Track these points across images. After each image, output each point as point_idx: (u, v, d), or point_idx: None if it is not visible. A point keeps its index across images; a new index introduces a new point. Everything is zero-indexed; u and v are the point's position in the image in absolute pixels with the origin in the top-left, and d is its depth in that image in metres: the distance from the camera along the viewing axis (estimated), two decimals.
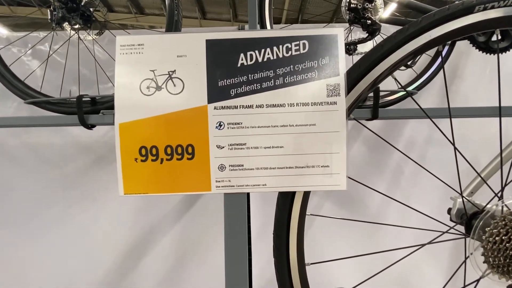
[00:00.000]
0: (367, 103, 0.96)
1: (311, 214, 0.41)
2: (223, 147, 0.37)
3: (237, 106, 0.36)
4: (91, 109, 0.69)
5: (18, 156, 1.00)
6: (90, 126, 0.67)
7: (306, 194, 0.39)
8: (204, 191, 0.37)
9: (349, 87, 0.37)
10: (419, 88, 0.97)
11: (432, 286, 0.49)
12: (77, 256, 0.95)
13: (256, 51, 0.36)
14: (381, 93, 0.95)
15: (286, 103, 0.37)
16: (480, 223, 0.39)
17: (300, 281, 0.40)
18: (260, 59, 0.36)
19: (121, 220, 1.02)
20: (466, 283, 0.41)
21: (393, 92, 0.97)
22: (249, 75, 0.36)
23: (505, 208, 0.40)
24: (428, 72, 0.98)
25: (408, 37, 0.36)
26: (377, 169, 1.05)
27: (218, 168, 0.37)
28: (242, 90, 0.36)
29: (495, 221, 0.38)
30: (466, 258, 0.43)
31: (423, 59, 1.01)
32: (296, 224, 0.39)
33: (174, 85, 0.37)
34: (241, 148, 0.37)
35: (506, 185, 0.43)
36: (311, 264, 0.41)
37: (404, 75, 1.02)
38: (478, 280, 0.40)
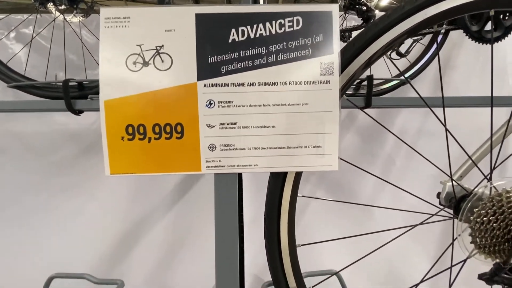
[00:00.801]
0: (360, 91, 0.96)
1: (302, 196, 0.41)
2: (214, 126, 0.36)
3: (228, 84, 0.35)
4: (79, 94, 0.66)
5: (2, 144, 0.96)
6: (78, 112, 0.65)
7: (298, 175, 0.39)
8: (194, 171, 0.36)
9: (343, 66, 0.36)
10: (412, 77, 0.97)
11: (420, 267, 0.50)
12: (65, 245, 0.94)
13: (248, 27, 0.35)
14: (375, 82, 0.95)
15: (278, 81, 0.36)
16: (468, 205, 0.39)
17: (291, 262, 0.40)
18: (252, 35, 0.35)
19: (111, 209, 1.00)
20: (454, 264, 0.42)
21: (387, 81, 0.97)
22: (241, 52, 0.35)
23: (493, 190, 0.40)
24: (421, 61, 0.98)
25: (403, 15, 0.35)
26: (370, 158, 1.06)
27: (208, 147, 0.36)
28: (233, 67, 0.35)
29: (483, 202, 0.38)
30: (453, 239, 0.43)
31: (417, 49, 1.01)
32: (288, 205, 0.39)
33: (162, 61, 0.35)
34: (232, 128, 0.36)
35: (495, 168, 0.43)
36: (302, 245, 0.41)
37: (398, 64, 1.02)
38: (465, 260, 0.41)
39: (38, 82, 0.71)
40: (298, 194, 0.40)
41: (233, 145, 0.36)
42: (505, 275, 0.33)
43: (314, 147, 0.36)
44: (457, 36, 1.37)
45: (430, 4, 0.35)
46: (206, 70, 0.35)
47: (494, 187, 0.39)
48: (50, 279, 0.44)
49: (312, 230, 0.86)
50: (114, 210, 0.99)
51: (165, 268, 0.99)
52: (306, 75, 0.35)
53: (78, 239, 0.93)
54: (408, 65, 1.00)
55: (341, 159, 0.37)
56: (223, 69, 0.35)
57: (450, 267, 0.42)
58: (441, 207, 0.45)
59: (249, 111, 0.36)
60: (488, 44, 0.88)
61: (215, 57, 0.35)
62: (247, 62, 0.35)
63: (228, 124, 0.36)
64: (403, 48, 0.94)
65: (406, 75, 0.97)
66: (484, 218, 0.37)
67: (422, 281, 0.43)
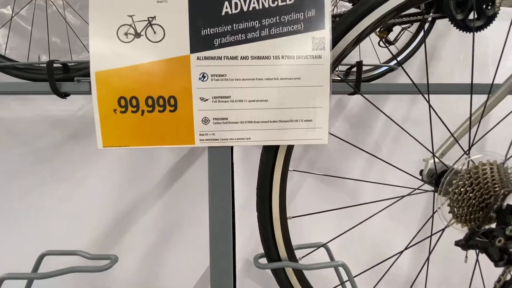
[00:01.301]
0: (349, 77, 0.97)
1: (293, 170, 0.42)
2: (207, 99, 0.36)
3: (221, 57, 0.36)
4: (64, 76, 0.64)
5: None
6: (64, 95, 0.63)
7: (290, 149, 0.40)
8: (188, 144, 0.36)
9: (334, 42, 0.37)
10: (399, 64, 1.00)
11: (406, 238, 0.53)
12: (52, 234, 0.92)
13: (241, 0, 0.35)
14: (364, 68, 0.97)
15: (271, 55, 0.36)
16: (447, 179, 0.42)
17: (282, 234, 0.42)
18: (245, 8, 0.35)
19: (101, 196, 0.99)
20: (434, 233, 0.45)
21: (376, 67, 0.99)
22: (234, 25, 0.35)
23: (471, 164, 0.43)
24: (408, 49, 1.01)
25: None
26: (358, 144, 1.09)
27: (202, 121, 0.36)
28: (227, 40, 0.35)
29: (460, 174, 0.41)
30: (434, 212, 0.46)
31: (405, 36, 1.04)
32: (279, 178, 0.40)
33: (155, 33, 0.35)
34: (225, 101, 0.36)
35: (473, 144, 0.46)
36: (293, 217, 0.43)
37: (384, 51, 1.04)
38: (443, 229, 0.44)
39: (20, 63, 0.68)
40: (290, 169, 0.41)
41: (226, 118, 0.36)
42: (479, 239, 0.35)
43: (305, 121, 0.37)
44: (442, 27, 1.41)
45: None
46: (199, 43, 0.35)
47: (471, 160, 0.42)
48: (41, 257, 0.44)
49: (301, 209, 0.89)
50: (104, 197, 0.98)
51: (158, 252, 0.99)
52: (298, 50, 0.36)
53: (66, 227, 0.92)
54: (396, 52, 1.02)
55: (330, 134, 0.38)
56: (216, 42, 0.35)
57: (430, 236, 0.45)
58: (423, 182, 0.48)
59: (242, 84, 0.36)
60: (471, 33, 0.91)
61: (208, 29, 0.35)
62: (240, 35, 0.36)
63: (221, 97, 0.36)
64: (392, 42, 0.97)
65: (393, 62, 1.00)
66: (462, 189, 0.40)
67: (406, 248, 0.46)
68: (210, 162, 0.38)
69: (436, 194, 0.44)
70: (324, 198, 0.97)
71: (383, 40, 1.05)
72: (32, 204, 0.91)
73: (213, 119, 0.36)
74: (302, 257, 0.45)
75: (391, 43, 1.04)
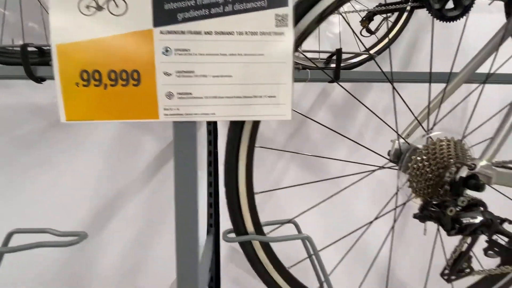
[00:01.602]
0: (330, 65, 0.98)
1: (260, 147, 0.43)
2: (171, 74, 0.36)
3: (184, 31, 0.36)
4: (39, 60, 0.63)
5: None
6: (40, 80, 0.62)
7: (255, 125, 0.41)
8: (152, 119, 0.37)
9: (297, 19, 0.38)
10: (379, 52, 1.01)
11: (373, 212, 0.56)
12: (35, 222, 0.92)
13: None
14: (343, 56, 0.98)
15: (235, 31, 0.37)
16: (407, 155, 0.44)
17: (249, 209, 0.43)
18: None
19: (85, 184, 0.99)
20: (397, 206, 0.47)
21: (356, 55, 1.01)
22: (197, 0, 0.36)
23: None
24: (387, 38, 1.02)
25: None
26: (342, 131, 1.12)
27: (166, 95, 0.37)
28: (190, 15, 0.36)
29: (419, 150, 0.42)
30: (398, 190, 0.48)
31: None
32: (245, 154, 0.41)
33: (117, 6, 0.35)
34: (189, 76, 0.37)
35: (435, 125, 0.48)
36: (260, 192, 0.44)
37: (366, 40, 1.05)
38: (404, 204, 0.46)
39: None
40: (256, 145, 0.42)
41: (191, 93, 0.37)
42: (432, 209, 0.37)
43: (269, 97, 0.38)
44: (426, 18, 1.44)
45: None
46: (162, 17, 0.35)
47: (430, 137, 0.43)
48: (9, 235, 0.44)
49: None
50: (88, 185, 0.98)
51: (143, 241, 1.00)
52: (262, 26, 0.37)
53: (49, 215, 0.92)
54: (375, 41, 1.03)
55: (293, 110, 0.39)
56: (179, 16, 0.36)
57: (395, 208, 0.47)
58: (389, 160, 0.50)
59: (206, 59, 0.36)
60: (451, 23, 0.94)
61: (172, 3, 0.35)
62: (204, 10, 0.36)
63: (185, 72, 0.36)
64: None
65: (373, 50, 1.01)
66: (419, 164, 0.42)
67: (371, 222, 0.48)
68: (176, 137, 0.38)
69: (398, 171, 0.46)
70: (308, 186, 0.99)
71: (365, 29, 1.06)
72: (14, 191, 0.90)
73: (177, 93, 0.37)
74: (271, 231, 0.47)
75: (372, 32, 1.06)
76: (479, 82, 0.53)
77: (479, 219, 0.38)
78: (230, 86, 0.37)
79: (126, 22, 0.35)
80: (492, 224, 0.38)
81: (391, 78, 0.50)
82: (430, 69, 0.50)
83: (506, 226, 0.51)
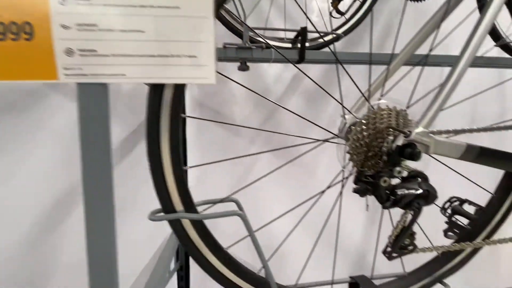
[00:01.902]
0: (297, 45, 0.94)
1: (187, 116, 0.39)
2: (70, 27, 0.32)
3: None
4: None
5: None
6: None
7: (178, 90, 0.37)
8: (50, 80, 0.32)
9: None
10: (346, 32, 0.98)
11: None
12: None
13: None
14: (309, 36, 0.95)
15: None
16: (346, 125, 0.41)
17: (176, 183, 0.39)
18: None
19: (43, 171, 0.93)
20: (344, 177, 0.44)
21: (326, 34, 0.97)
22: None
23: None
24: (355, 18, 1.00)
25: None
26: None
27: (65, 52, 0.32)
28: None
29: (359, 121, 0.40)
30: (343, 166, 0.45)
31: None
32: (168, 124, 0.37)
33: None
34: (91, 30, 0.32)
35: (382, 96, 0.45)
36: (190, 167, 0.40)
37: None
38: (346, 178, 0.43)
39: None
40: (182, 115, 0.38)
41: (95, 50, 0.32)
42: (365, 180, 0.35)
43: (188, 57, 0.34)
44: (398, 4, 1.42)
45: None
46: None
47: (372, 107, 0.41)
48: None
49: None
50: (47, 172, 0.92)
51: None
52: None
53: (6, 203, 0.87)
54: (343, 21, 1.01)
55: (218, 72, 0.36)
56: None
57: (342, 180, 0.44)
58: (334, 135, 0.47)
59: (110, 11, 0.32)
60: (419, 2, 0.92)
61: None
62: None
63: (87, 25, 0.32)
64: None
65: (341, 30, 0.98)
66: (359, 136, 0.39)
67: (322, 192, 0.45)
68: (81, 102, 0.33)
69: (338, 144, 0.43)
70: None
71: (335, 10, 1.03)
72: None
73: (79, 50, 0.32)
74: (205, 209, 0.43)
75: (342, 13, 1.03)
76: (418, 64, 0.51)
77: (415, 190, 0.35)
78: (143, 43, 0.33)
79: None
80: (429, 196, 0.36)
81: (337, 59, 0.46)
82: (370, 50, 0.46)
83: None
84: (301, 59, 0.85)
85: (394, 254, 0.42)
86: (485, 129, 0.41)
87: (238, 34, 0.88)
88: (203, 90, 1.03)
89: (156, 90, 0.36)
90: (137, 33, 0.33)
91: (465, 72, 0.38)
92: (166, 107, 0.36)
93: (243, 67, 0.92)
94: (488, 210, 0.52)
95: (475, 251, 0.53)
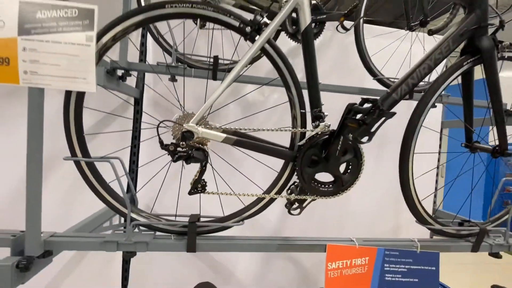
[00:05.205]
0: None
1: (85, 107, 0.76)
2: (26, 61, 0.69)
3: (34, 40, 0.69)
4: None
5: None
6: None
7: (80, 94, 0.74)
8: (15, 83, 0.70)
9: (98, 38, 0.71)
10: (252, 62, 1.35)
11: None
12: None
13: (46, 11, 0.68)
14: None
15: (62, 41, 0.69)
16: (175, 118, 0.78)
17: (78, 142, 0.76)
18: (48, 15, 0.68)
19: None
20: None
21: (234, 62, 1.34)
22: (41, 24, 0.68)
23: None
24: None
25: (130, 14, 0.71)
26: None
27: (23, 72, 0.70)
28: (38, 31, 0.69)
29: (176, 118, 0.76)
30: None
31: None
32: (73, 110, 0.74)
33: (4, 24, 0.68)
34: (36, 63, 0.70)
35: (211, 114, 0.82)
36: (86, 134, 0.77)
37: None
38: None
39: None
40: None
41: (36, 72, 0.70)
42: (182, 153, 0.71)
43: (82, 78, 0.71)
44: (326, 38, 1.81)
45: (144, 11, 0.71)
46: (23, 31, 0.68)
47: (185, 112, 0.77)
48: None
49: None
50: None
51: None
52: (78, 40, 0.70)
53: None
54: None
55: (98, 85, 0.72)
56: (32, 31, 0.68)
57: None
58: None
59: (45, 55, 0.69)
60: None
61: (28, 24, 0.68)
62: (45, 29, 0.69)
63: (33, 61, 0.69)
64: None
65: None
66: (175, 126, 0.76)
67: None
68: (30, 97, 0.71)
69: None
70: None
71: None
72: None
73: (30, 71, 0.70)
74: (94, 160, 0.80)
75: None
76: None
77: (192, 154, 0.72)
78: (60, 70, 0.70)
79: (2, 32, 0.68)
80: (198, 158, 0.72)
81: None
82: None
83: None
84: (214, 78, 1.23)
85: (192, 191, 0.78)
86: (254, 130, 0.77)
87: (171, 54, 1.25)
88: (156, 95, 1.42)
89: (67, 93, 0.73)
90: (56, 66, 0.70)
91: (227, 87, 0.75)
92: (73, 103, 0.74)
93: (172, 79, 1.30)
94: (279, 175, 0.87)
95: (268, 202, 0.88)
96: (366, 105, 0.78)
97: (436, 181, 1.96)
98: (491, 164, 1.47)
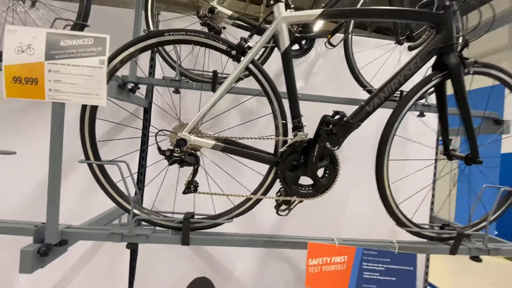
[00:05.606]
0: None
1: (99, 118, 0.90)
2: (51, 81, 0.84)
3: (58, 63, 0.84)
4: None
5: None
6: None
7: (93, 107, 0.88)
8: (41, 99, 0.85)
9: (109, 61, 0.85)
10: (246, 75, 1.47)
11: None
12: None
13: (68, 40, 0.83)
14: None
15: (79, 64, 0.84)
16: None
17: (91, 147, 0.90)
18: (70, 43, 0.83)
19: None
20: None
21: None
22: (65, 50, 0.84)
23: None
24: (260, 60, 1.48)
25: (134, 41, 0.85)
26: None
27: (48, 90, 0.85)
28: (61, 56, 0.84)
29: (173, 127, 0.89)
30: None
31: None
32: (88, 120, 0.88)
33: (29, 49, 0.83)
34: (59, 82, 0.84)
35: (203, 121, 0.94)
36: (99, 141, 0.91)
37: None
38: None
39: None
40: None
41: (59, 90, 0.85)
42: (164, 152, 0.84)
43: (96, 94, 0.85)
44: (322, 51, 1.91)
45: (147, 38, 0.85)
46: (49, 56, 0.83)
47: (180, 122, 0.90)
48: None
49: None
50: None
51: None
52: (92, 63, 0.84)
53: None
54: None
55: (108, 99, 0.86)
56: (56, 56, 0.83)
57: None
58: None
59: (67, 76, 0.84)
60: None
61: (53, 51, 0.83)
62: (66, 54, 0.84)
63: (56, 81, 0.84)
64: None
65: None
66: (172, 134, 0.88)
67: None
68: (53, 109, 0.86)
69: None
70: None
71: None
72: None
73: (54, 89, 0.84)
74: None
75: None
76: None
77: (184, 159, 0.84)
78: (77, 87, 0.85)
79: (32, 58, 0.83)
80: (190, 163, 0.84)
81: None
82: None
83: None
84: (213, 90, 1.36)
85: (186, 191, 0.90)
86: (243, 138, 0.88)
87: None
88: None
89: (83, 106, 0.88)
90: (75, 85, 0.85)
91: (219, 99, 0.87)
92: (87, 114, 0.88)
93: (176, 91, 1.44)
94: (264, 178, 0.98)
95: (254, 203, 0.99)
96: (336, 117, 0.88)
97: (433, 189, 1.99)
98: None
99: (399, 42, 1.45)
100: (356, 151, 1.64)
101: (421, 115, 1.53)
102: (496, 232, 4.80)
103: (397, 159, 1.04)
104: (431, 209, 2.01)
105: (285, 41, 0.88)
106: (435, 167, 1.98)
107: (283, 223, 1.78)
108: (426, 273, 2.03)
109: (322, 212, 1.83)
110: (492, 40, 4.78)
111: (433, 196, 1.98)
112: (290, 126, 0.94)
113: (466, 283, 3.40)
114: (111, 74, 0.88)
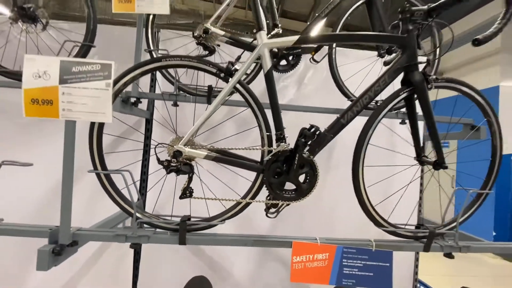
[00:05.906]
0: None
1: (107, 133, 1.03)
2: (64, 102, 0.97)
3: (70, 86, 0.97)
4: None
5: None
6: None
7: (100, 124, 1.01)
8: (56, 117, 0.98)
9: (114, 84, 0.98)
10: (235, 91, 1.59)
11: None
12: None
13: (77, 66, 0.96)
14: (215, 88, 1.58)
15: (89, 87, 0.97)
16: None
17: (98, 159, 1.03)
18: (80, 69, 0.96)
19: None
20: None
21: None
22: (76, 75, 0.97)
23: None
24: (250, 75, 1.61)
25: (136, 66, 0.97)
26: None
27: (61, 110, 0.97)
28: (73, 80, 0.97)
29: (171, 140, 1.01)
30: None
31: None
32: (96, 135, 1.01)
33: (46, 75, 0.96)
34: (72, 102, 0.97)
35: (198, 134, 1.06)
36: (106, 153, 1.04)
37: None
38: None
39: None
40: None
41: (71, 109, 0.97)
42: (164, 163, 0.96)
43: (102, 112, 0.98)
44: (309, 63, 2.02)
45: (149, 63, 0.97)
46: (61, 80, 0.96)
47: (177, 136, 1.02)
48: None
49: None
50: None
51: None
52: (100, 86, 0.97)
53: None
54: (246, 76, 1.62)
55: (114, 117, 0.99)
56: (68, 81, 0.96)
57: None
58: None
59: (78, 98, 0.97)
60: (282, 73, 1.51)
61: (66, 76, 0.96)
62: (77, 78, 0.96)
63: (69, 102, 0.97)
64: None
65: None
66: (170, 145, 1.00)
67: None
68: (66, 126, 0.98)
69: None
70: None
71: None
72: None
73: (67, 109, 0.97)
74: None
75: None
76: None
77: (180, 168, 0.96)
78: (87, 107, 0.98)
79: (48, 82, 0.96)
80: (185, 171, 0.96)
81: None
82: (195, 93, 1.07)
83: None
84: (208, 102, 1.48)
85: (183, 196, 1.02)
86: (237, 149, 1.00)
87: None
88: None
89: (92, 123, 1.00)
90: (85, 105, 0.97)
91: (211, 114, 0.99)
92: (95, 130, 1.01)
93: (174, 104, 1.57)
94: (252, 184, 1.09)
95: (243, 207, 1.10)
96: (312, 130, 0.99)
97: (421, 191, 2.09)
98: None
99: (381, 55, 1.57)
100: (349, 157, 1.76)
101: (403, 122, 1.64)
102: (494, 233, 4.85)
103: (371, 165, 1.15)
104: (419, 211, 2.10)
105: (267, 64, 1.00)
106: (422, 170, 2.08)
107: (280, 226, 1.89)
108: (416, 273, 2.12)
109: (317, 214, 1.95)
110: (486, 44, 4.88)
111: (420, 198, 2.08)
112: (274, 137, 1.06)
113: (467, 284, 3.44)
114: (116, 95, 1.01)
